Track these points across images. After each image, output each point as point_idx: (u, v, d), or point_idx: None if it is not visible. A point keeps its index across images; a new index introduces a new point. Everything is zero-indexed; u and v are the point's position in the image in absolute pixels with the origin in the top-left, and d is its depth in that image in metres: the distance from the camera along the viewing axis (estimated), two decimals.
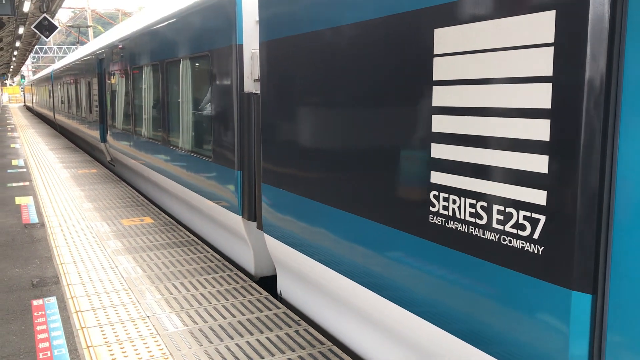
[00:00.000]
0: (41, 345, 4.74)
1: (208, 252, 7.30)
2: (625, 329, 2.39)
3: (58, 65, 28.21)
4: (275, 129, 5.30)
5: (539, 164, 2.64)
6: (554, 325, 2.64)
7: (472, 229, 3.04)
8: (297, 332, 4.94)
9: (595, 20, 2.37)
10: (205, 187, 7.47)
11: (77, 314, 5.34)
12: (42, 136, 26.83)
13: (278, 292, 6.05)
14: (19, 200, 10.96)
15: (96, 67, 14.78)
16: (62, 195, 11.35)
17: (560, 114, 2.53)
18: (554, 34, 2.53)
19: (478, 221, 3.00)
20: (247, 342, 4.75)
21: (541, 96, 2.60)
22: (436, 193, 3.27)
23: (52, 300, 5.71)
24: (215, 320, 5.19)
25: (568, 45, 2.48)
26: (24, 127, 33.53)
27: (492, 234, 2.92)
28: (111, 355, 4.54)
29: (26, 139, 25.02)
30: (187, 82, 8.07)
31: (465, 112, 3.03)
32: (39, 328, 5.07)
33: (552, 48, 2.54)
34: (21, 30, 23.42)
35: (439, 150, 3.24)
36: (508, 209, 2.82)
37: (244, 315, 5.30)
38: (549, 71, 2.56)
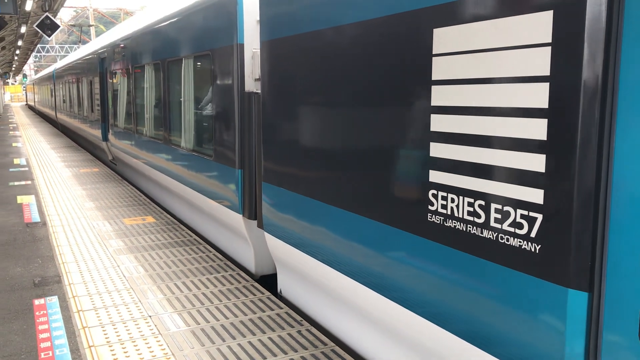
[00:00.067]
0: (43, 345, 4.76)
1: (210, 252, 7.32)
2: (621, 326, 2.41)
3: (60, 64, 28.24)
4: (276, 128, 5.32)
5: (536, 163, 2.66)
6: (550, 323, 2.66)
7: (470, 227, 3.06)
8: (299, 332, 4.95)
9: (592, 21, 2.38)
10: (206, 186, 7.49)
11: (78, 313, 5.36)
12: (44, 135, 26.88)
13: (278, 290, 6.07)
14: (20, 199, 10.99)
15: (98, 66, 14.80)
16: (64, 194, 11.38)
17: (557, 113, 2.54)
18: (551, 34, 2.54)
19: (476, 220, 3.01)
20: (250, 343, 4.77)
21: (538, 96, 2.62)
22: (435, 192, 3.29)
23: (54, 299, 5.74)
24: (218, 320, 5.21)
25: (565, 45, 2.49)
26: (25, 126, 33.59)
27: (490, 232, 2.93)
28: (113, 355, 4.56)
29: (28, 138, 25.07)
30: (188, 82, 8.09)
31: (463, 112, 3.04)
32: (40, 327, 5.09)
33: (549, 48, 2.55)
34: (23, 29, 23.44)
35: (437, 150, 3.25)
36: (506, 208, 2.84)
37: (246, 315, 5.32)
38: (546, 71, 2.57)
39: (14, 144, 22.28)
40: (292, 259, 5.33)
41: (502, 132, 2.82)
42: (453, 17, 3.08)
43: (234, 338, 4.84)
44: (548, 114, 2.58)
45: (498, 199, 2.87)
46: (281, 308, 5.46)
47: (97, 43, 16.56)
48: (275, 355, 4.55)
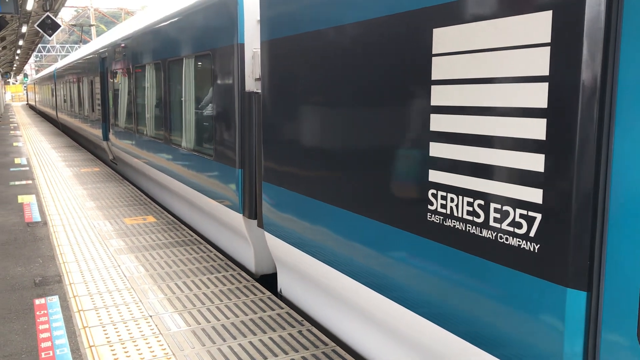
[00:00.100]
0: (43, 345, 4.77)
1: (210, 252, 7.33)
2: (619, 326, 2.41)
3: (61, 63, 28.25)
4: (276, 128, 5.32)
5: (535, 162, 2.66)
6: (549, 322, 2.66)
7: (469, 227, 3.06)
8: (300, 332, 4.95)
9: (591, 21, 2.39)
10: (206, 185, 7.50)
11: (79, 313, 5.37)
12: (45, 134, 26.90)
13: (278, 289, 6.08)
14: (21, 198, 11.00)
15: (98, 66, 14.82)
16: (65, 194, 11.39)
17: (556, 113, 2.55)
18: (550, 34, 2.55)
19: (475, 219, 3.02)
20: (250, 343, 4.77)
21: (537, 96, 2.62)
22: (434, 191, 3.29)
23: (55, 299, 5.74)
24: (218, 320, 5.22)
25: (564, 45, 2.49)
26: (26, 126, 33.61)
27: (489, 232, 2.94)
28: (113, 355, 4.57)
29: (29, 138, 25.08)
30: (188, 81, 8.10)
31: (463, 112, 3.05)
32: (41, 327, 5.10)
33: (548, 48, 2.56)
34: (24, 29, 23.45)
35: (437, 149, 3.25)
36: (505, 207, 2.84)
37: (246, 315, 5.32)
38: (545, 71, 2.58)
39: (14, 144, 22.30)
40: (292, 259, 5.33)
41: (501, 132, 2.82)
42: (453, 17, 3.08)
43: (234, 338, 4.85)
44: (547, 114, 2.59)
45: (497, 198, 2.88)
46: (282, 308, 5.46)
47: (97, 43, 16.56)
48: (276, 355, 4.55)
